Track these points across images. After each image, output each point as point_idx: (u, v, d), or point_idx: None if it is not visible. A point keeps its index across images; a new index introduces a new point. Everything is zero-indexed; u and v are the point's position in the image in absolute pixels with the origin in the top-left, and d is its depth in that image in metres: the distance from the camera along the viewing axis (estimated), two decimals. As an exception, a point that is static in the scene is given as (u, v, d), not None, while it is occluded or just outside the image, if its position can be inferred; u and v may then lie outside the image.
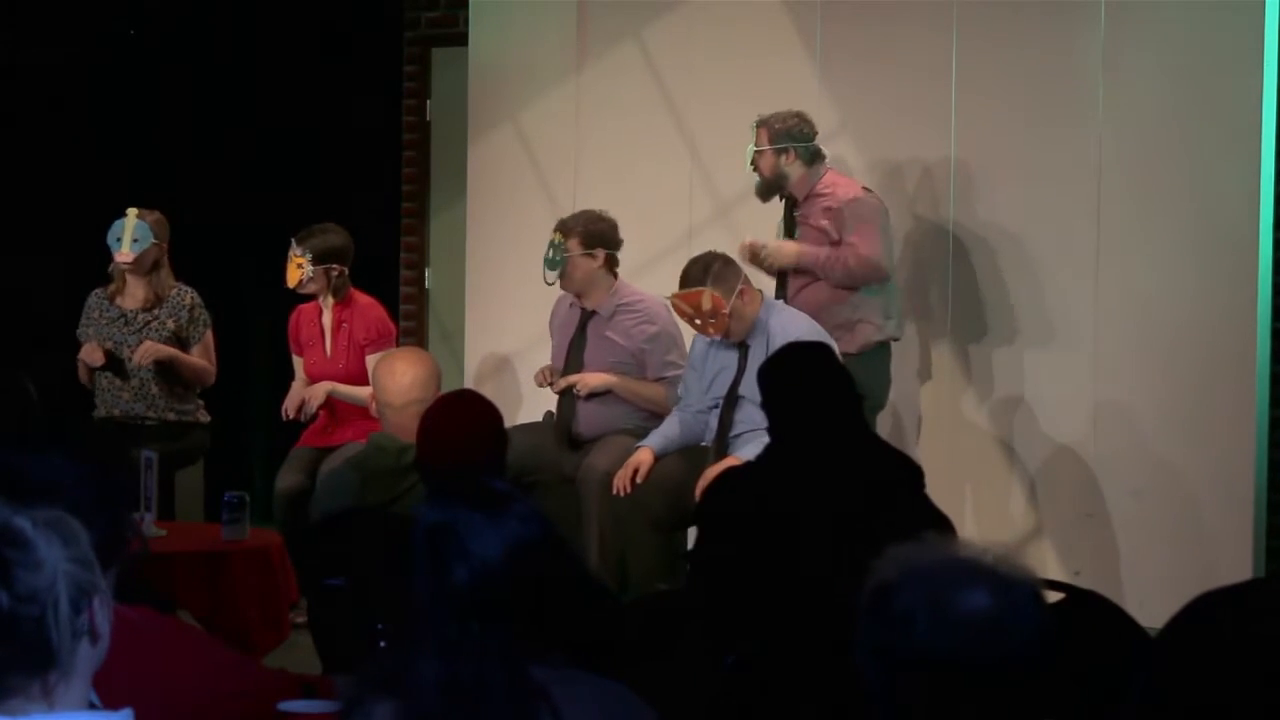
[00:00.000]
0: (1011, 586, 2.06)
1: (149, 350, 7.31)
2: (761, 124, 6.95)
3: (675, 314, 6.71)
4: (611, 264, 6.97)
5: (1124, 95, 7.09)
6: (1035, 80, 7.22)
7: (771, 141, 6.92)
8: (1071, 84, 7.16)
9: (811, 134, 6.95)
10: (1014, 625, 2.04)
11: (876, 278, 6.84)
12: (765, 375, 5.01)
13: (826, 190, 6.89)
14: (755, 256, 6.85)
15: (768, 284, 6.95)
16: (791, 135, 6.92)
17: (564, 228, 6.96)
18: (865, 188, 6.96)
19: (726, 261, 6.62)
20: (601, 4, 8.01)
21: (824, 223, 6.83)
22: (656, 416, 6.92)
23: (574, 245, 6.91)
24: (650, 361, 6.94)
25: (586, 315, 7.00)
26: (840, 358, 6.61)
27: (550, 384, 7.00)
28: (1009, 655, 2.03)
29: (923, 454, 7.09)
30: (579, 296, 7.00)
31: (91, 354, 7.36)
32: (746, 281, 6.58)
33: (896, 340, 6.98)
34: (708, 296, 6.50)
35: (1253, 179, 6.88)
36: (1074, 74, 7.16)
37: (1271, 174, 6.89)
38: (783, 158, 6.92)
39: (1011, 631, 2.04)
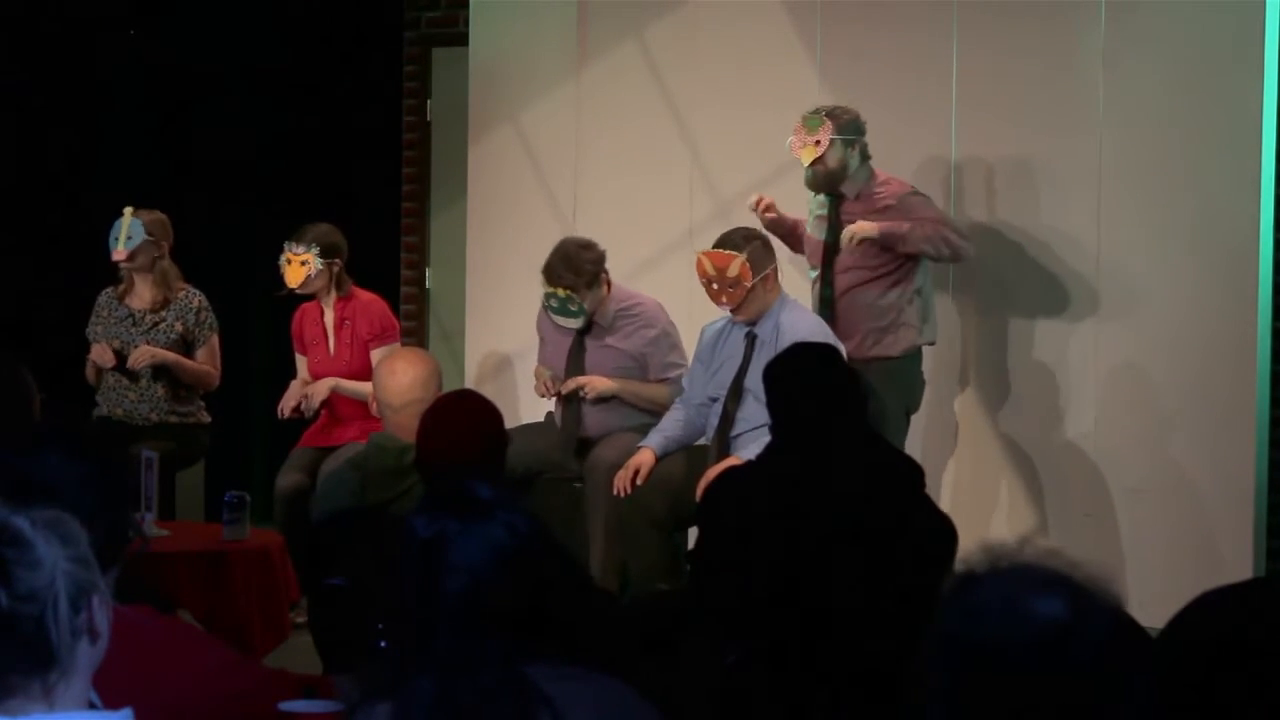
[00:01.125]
0: (1093, 605, 2.04)
1: (144, 354, 7.31)
2: (829, 114, 6.84)
3: (695, 271, 6.66)
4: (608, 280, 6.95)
5: (1124, 96, 7.08)
6: (1035, 80, 7.22)
7: (840, 132, 6.83)
8: (1072, 84, 7.16)
9: (865, 130, 6.91)
10: (1084, 642, 2.02)
11: (963, 244, 6.77)
12: (770, 374, 5.01)
13: (880, 189, 6.84)
14: (770, 210, 6.87)
15: (793, 283, 6.95)
16: (857, 128, 6.86)
17: (564, 282, 6.78)
18: (913, 186, 6.93)
19: (766, 245, 6.63)
20: (601, 4, 8.01)
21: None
22: (661, 416, 6.94)
23: (584, 292, 6.81)
24: (652, 363, 6.94)
25: (586, 326, 6.97)
26: (881, 360, 6.71)
27: (554, 392, 6.96)
28: (1072, 670, 2.01)
29: (924, 453, 7.09)
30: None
31: (102, 355, 7.36)
32: (775, 271, 6.59)
33: (932, 344, 6.98)
34: (739, 263, 6.49)
35: (1253, 179, 6.88)
36: (1074, 74, 7.15)
37: (1271, 174, 6.89)
38: (849, 150, 6.85)
39: (1080, 647, 2.02)
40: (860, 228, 6.71)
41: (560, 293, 6.83)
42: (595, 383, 6.88)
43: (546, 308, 6.93)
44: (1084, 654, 2.01)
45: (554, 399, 7.03)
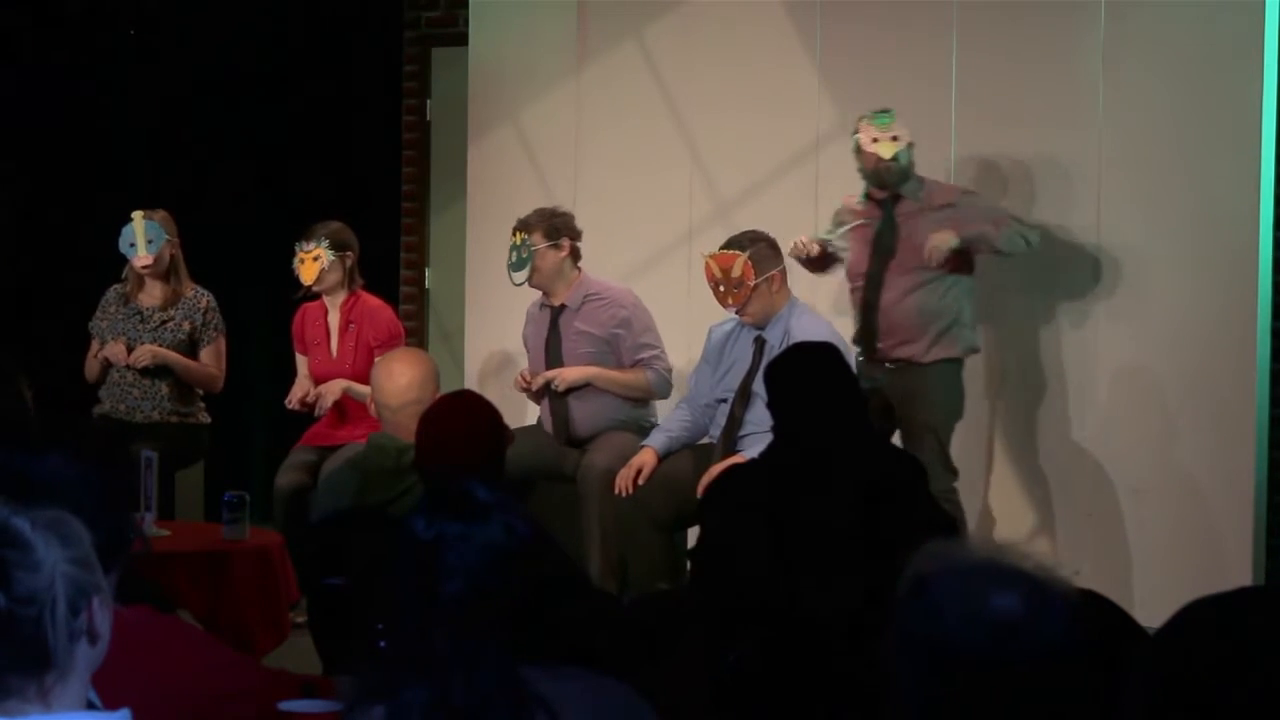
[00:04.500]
0: (1046, 595, 2.07)
1: (145, 354, 7.30)
2: (896, 115, 6.82)
3: (704, 275, 6.69)
4: (575, 255, 6.98)
5: (1124, 95, 7.09)
6: (1035, 80, 7.22)
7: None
8: (1072, 84, 7.16)
9: None
10: (1041, 632, 2.04)
11: (1037, 235, 6.79)
12: (771, 374, 5.01)
13: (934, 191, 6.83)
14: (805, 252, 6.80)
15: (807, 285, 6.93)
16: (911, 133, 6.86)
17: (524, 225, 6.97)
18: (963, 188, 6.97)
19: (773, 246, 6.64)
20: (601, 4, 8.01)
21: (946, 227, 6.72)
22: (643, 403, 6.94)
23: (538, 239, 6.92)
24: (624, 346, 6.93)
25: (556, 312, 6.99)
26: (947, 362, 6.69)
27: (529, 386, 6.99)
28: (1032, 661, 2.03)
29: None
30: (546, 294, 6.99)
31: (116, 352, 7.33)
32: (784, 275, 6.60)
33: (977, 352, 6.97)
34: (741, 263, 6.52)
35: (1253, 179, 6.88)
36: (1074, 74, 7.16)
37: (1271, 174, 6.89)
38: (913, 150, 6.84)
39: (1038, 638, 2.04)
40: (944, 239, 6.65)
41: (516, 239, 6.95)
42: (564, 374, 6.90)
43: (508, 268, 6.99)
44: (1041, 645, 2.04)
45: (537, 399, 7.04)
